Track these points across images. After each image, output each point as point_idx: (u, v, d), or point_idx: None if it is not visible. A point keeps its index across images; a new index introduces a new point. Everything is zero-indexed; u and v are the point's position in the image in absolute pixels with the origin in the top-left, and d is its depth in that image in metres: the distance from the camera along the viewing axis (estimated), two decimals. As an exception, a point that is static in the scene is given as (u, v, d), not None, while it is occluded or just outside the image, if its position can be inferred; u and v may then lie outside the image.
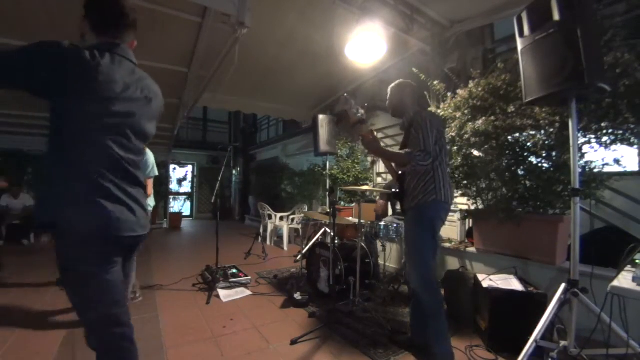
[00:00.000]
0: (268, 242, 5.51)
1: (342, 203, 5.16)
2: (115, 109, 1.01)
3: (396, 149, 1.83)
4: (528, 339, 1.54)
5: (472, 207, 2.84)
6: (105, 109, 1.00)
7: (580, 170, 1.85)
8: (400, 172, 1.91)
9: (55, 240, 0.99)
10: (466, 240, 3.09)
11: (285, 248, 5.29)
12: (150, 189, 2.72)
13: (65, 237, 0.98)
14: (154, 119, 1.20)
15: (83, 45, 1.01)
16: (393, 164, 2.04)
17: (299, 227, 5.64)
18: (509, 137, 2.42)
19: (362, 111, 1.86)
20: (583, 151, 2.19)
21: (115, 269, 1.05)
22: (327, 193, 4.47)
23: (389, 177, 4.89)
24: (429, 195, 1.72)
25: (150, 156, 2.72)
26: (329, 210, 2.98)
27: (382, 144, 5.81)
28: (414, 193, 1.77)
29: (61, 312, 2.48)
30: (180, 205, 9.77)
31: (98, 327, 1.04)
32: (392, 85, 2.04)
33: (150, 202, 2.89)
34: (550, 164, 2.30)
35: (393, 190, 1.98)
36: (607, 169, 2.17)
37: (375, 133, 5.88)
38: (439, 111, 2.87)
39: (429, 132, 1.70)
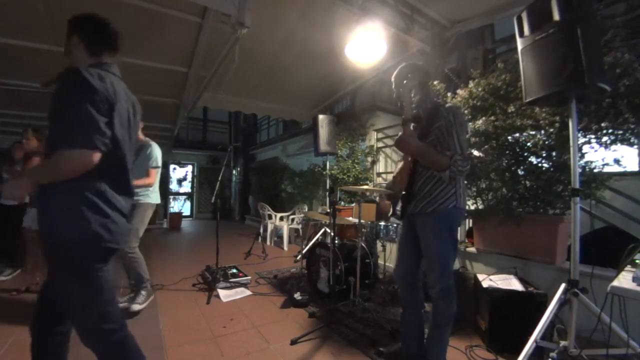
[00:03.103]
0: (268, 242, 5.50)
1: (342, 203, 5.16)
2: None
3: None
4: (528, 339, 1.54)
5: (472, 207, 2.83)
6: None
7: (580, 170, 1.85)
8: (411, 172, 1.72)
9: None
10: (466, 240, 3.08)
11: (285, 248, 5.28)
12: (152, 179, 2.60)
13: None
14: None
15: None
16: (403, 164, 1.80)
17: (299, 227, 5.64)
18: (509, 137, 2.42)
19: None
20: (583, 151, 2.19)
21: None
22: (327, 193, 4.47)
23: (389, 177, 4.89)
24: (449, 201, 1.58)
25: (154, 148, 2.67)
26: (329, 210, 2.98)
27: (381, 144, 5.73)
28: (429, 197, 1.61)
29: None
30: (180, 205, 9.78)
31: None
32: (402, 67, 1.74)
33: (155, 198, 2.70)
34: (550, 164, 2.30)
35: (403, 192, 1.77)
36: (607, 169, 2.16)
37: (376, 134, 5.76)
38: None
39: (464, 133, 1.54)
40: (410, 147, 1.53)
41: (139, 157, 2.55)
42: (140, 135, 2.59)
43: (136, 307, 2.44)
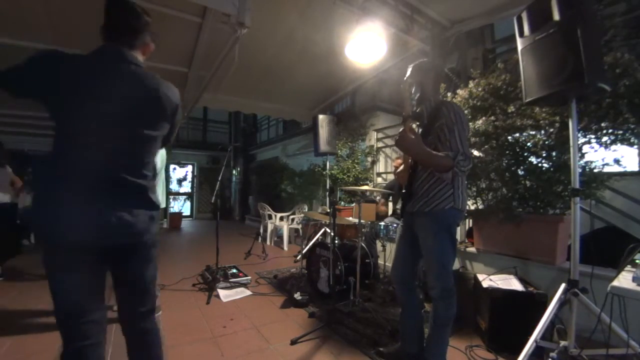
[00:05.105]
0: (268, 242, 5.51)
1: (342, 203, 5.16)
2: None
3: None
4: (528, 339, 1.54)
5: (472, 207, 2.84)
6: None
7: (580, 170, 1.85)
8: (411, 170, 1.71)
9: None
10: (466, 240, 3.08)
11: (285, 248, 5.29)
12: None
13: None
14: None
15: None
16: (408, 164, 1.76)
17: (299, 227, 5.64)
18: (509, 137, 2.42)
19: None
20: (583, 151, 2.19)
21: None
22: (327, 193, 4.47)
23: (390, 177, 4.89)
24: (446, 202, 1.55)
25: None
26: (329, 210, 2.98)
27: (381, 144, 5.71)
28: (427, 196, 1.60)
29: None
30: (180, 205, 9.78)
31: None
32: (412, 67, 1.74)
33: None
34: (550, 164, 2.30)
35: (403, 190, 1.76)
36: (607, 169, 2.16)
37: (376, 134, 5.73)
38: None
39: (465, 130, 1.52)
40: (406, 143, 1.49)
41: None
42: None
43: None
